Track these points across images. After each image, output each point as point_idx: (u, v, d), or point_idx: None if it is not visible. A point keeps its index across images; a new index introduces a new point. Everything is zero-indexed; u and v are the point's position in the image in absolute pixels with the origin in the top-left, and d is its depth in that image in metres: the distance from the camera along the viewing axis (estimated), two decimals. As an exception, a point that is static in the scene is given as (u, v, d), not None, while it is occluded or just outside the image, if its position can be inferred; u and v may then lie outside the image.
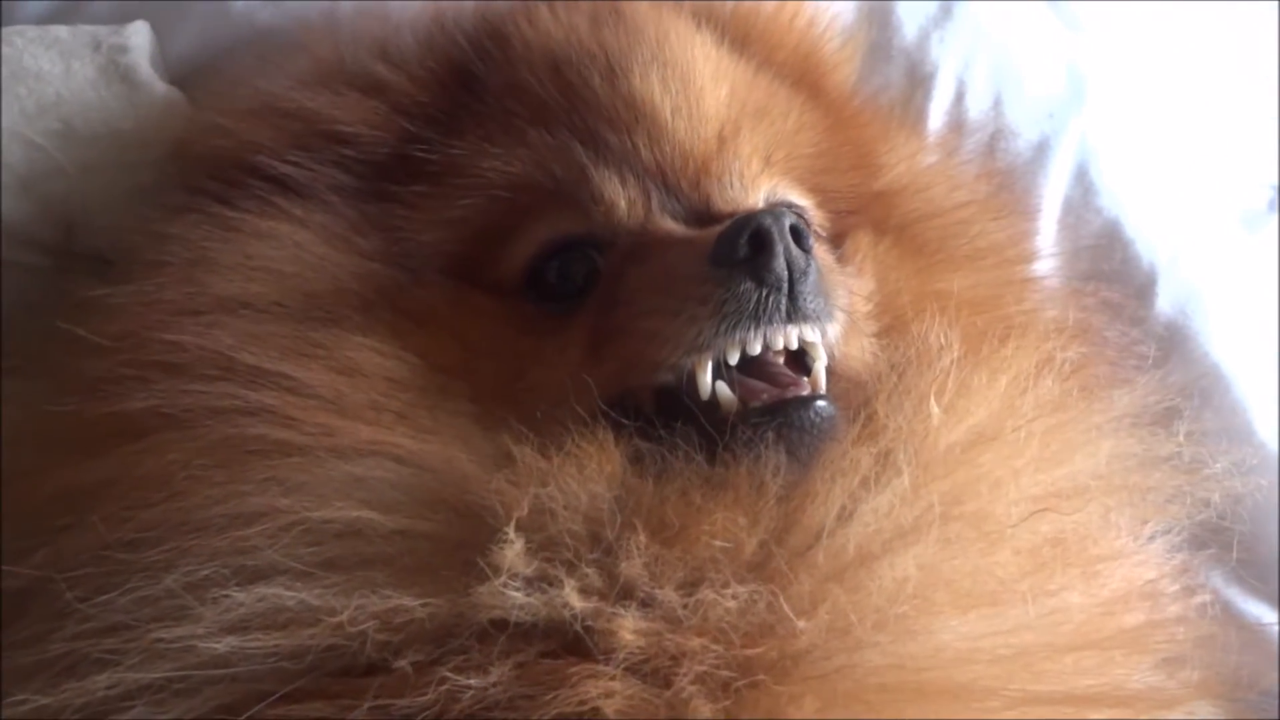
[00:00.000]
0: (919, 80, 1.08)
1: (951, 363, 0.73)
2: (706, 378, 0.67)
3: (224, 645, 0.60)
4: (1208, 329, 1.03)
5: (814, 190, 0.84)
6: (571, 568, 0.61)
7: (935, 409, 0.69)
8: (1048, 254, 1.04)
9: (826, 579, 0.61)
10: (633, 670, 0.59)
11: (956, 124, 1.07)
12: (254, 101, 0.83)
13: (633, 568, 0.61)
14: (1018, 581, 0.65)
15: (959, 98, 1.08)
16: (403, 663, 0.59)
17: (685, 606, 0.60)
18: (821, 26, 0.96)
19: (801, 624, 0.60)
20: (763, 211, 0.69)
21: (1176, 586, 0.79)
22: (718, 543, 0.61)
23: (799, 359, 0.70)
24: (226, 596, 0.60)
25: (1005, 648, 0.63)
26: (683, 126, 0.78)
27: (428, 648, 0.59)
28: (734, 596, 0.60)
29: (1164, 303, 1.03)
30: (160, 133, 0.86)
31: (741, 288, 0.67)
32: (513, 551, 0.60)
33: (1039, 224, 1.05)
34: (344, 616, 0.59)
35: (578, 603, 0.59)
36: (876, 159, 0.90)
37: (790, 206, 0.79)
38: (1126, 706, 0.66)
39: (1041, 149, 1.07)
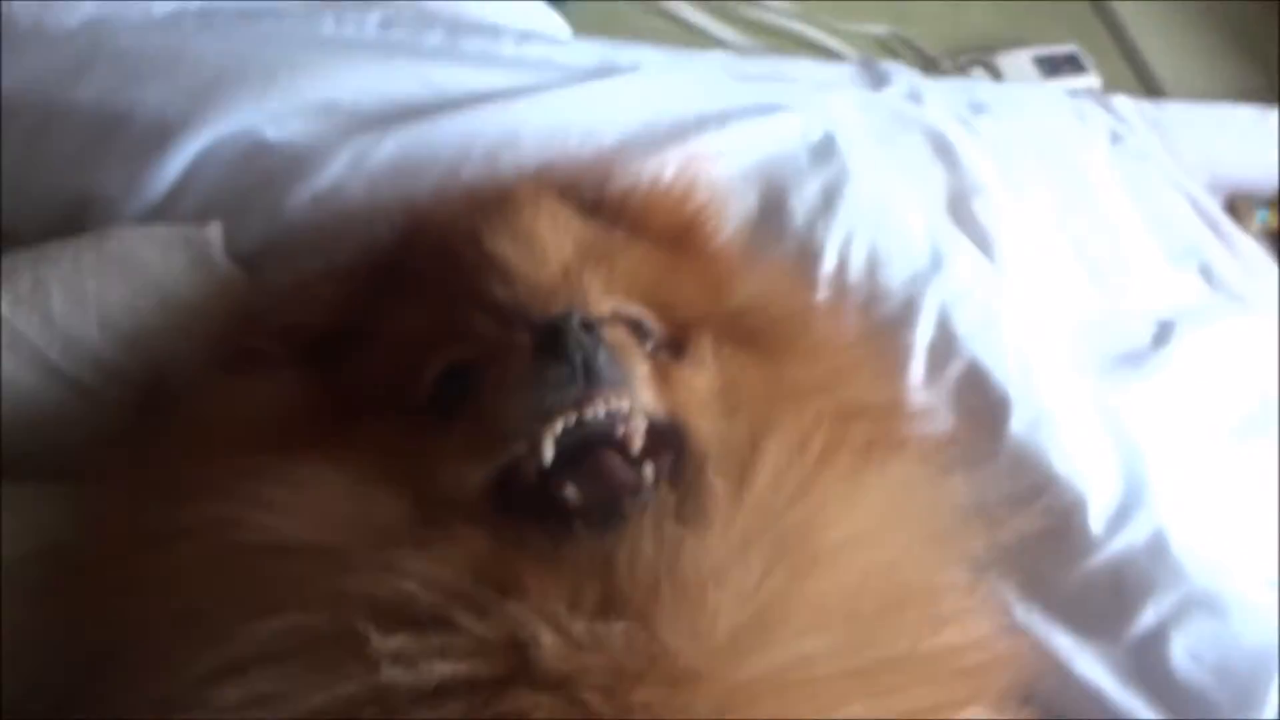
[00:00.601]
0: (808, 255, 1.31)
1: (744, 433, 0.86)
2: (548, 446, 0.81)
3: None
4: (1052, 446, 1.21)
5: (654, 306, 0.98)
6: (438, 639, 0.71)
7: (715, 480, 0.83)
8: (917, 389, 1.25)
9: (679, 606, 0.73)
10: (551, 688, 0.70)
11: (840, 288, 1.30)
12: (254, 299, 1.09)
13: (501, 620, 0.72)
14: (846, 606, 0.76)
15: (841, 266, 1.31)
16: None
17: (583, 636, 0.71)
18: (690, 205, 1.17)
19: (674, 644, 0.71)
20: (558, 314, 0.85)
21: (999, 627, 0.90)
22: (559, 600, 0.73)
23: (639, 457, 0.86)
24: (224, 688, 0.71)
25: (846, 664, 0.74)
26: (529, 269, 0.96)
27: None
28: (615, 629, 0.71)
29: (1017, 424, 1.22)
30: (223, 306, 1.11)
31: (548, 368, 0.83)
32: (386, 640, 0.70)
33: (910, 366, 1.26)
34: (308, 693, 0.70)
35: (445, 666, 0.70)
36: (722, 286, 1.09)
37: (625, 316, 0.93)
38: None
39: (908, 307, 1.29)
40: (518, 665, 0.71)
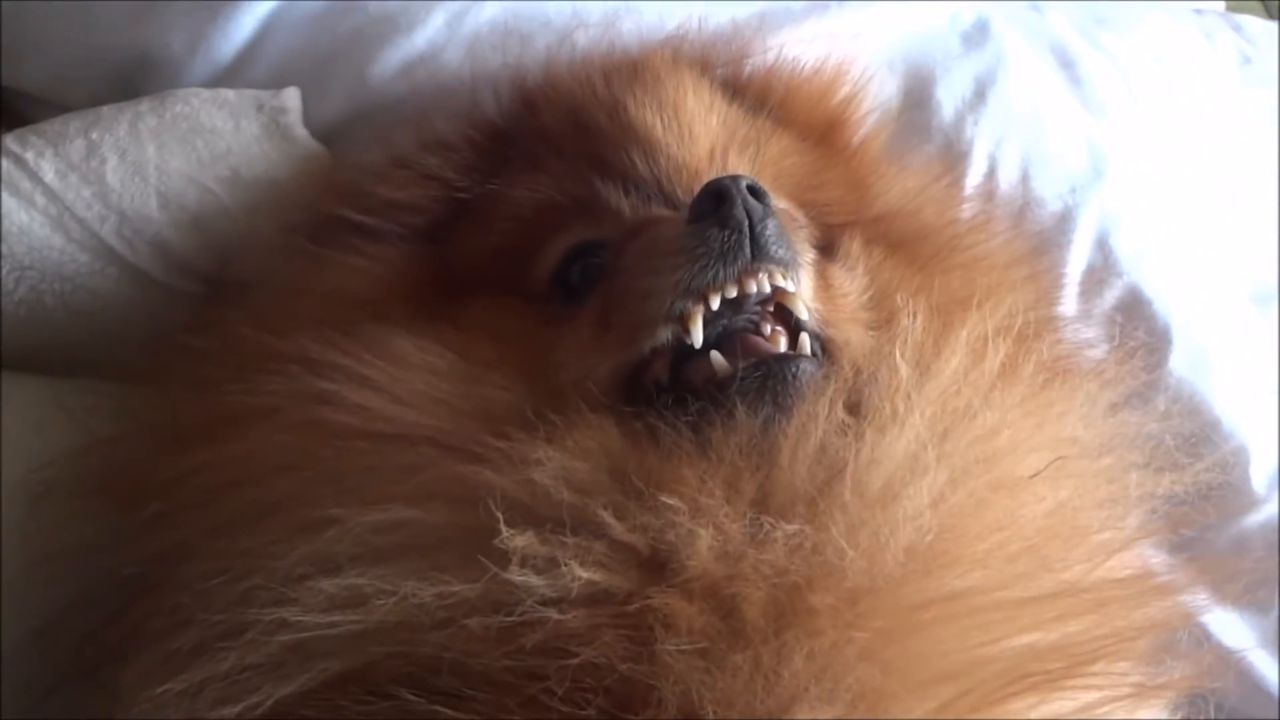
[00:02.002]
0: (955, 156, 1.17)
1: (924, 329, 0.78)
2: (698, 327, 0.74)
3: (321, 621, 0.65)
4: (1212, 386, 1.11)
5: (802, 204, 0.93)
6: (574, 540, 0.65)
7: (902, 365, 0.75)
8: (1072, 312, 1.13)
9: (860, 513, 0.66)
10: (700, 596, 0.64)
11: (988, 195, 1.16)
12: (344, 175, 0.98)
13: (647, 520, 0.66)
14: (1022, 538, 0.71)
15: (991, 172, 1.18)
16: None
17: (743, 537, 0.65)
18: (837, 96, 1.06)
19: (850, 554, 0.64)
20: (723, 175, 0.78)
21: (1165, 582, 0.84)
22: (713, 495, 0.66)
23: (791, 331, 0.78)
24: (315, 584, 0.66)
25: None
26: (674, 144, 0.89)
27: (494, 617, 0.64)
28: (782, 531, 0.65)
29: (1176, 361, 1.11)
30: (307, 180, 1.00)
31: (709, 233, 0.75)
32: (517, 538, 0.65)
33: (1064, 287, 1.14)
34: (411, 597, 0.64)
35: (584, 574, 0.64)
36: (870, 186, 1.00)
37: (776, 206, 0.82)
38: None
39: (1064, 219, 1.16)
40: (663, 570, 0.65)
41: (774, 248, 0.75)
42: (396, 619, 0.64)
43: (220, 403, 0.77)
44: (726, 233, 0.74)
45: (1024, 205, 1.18)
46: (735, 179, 0.76)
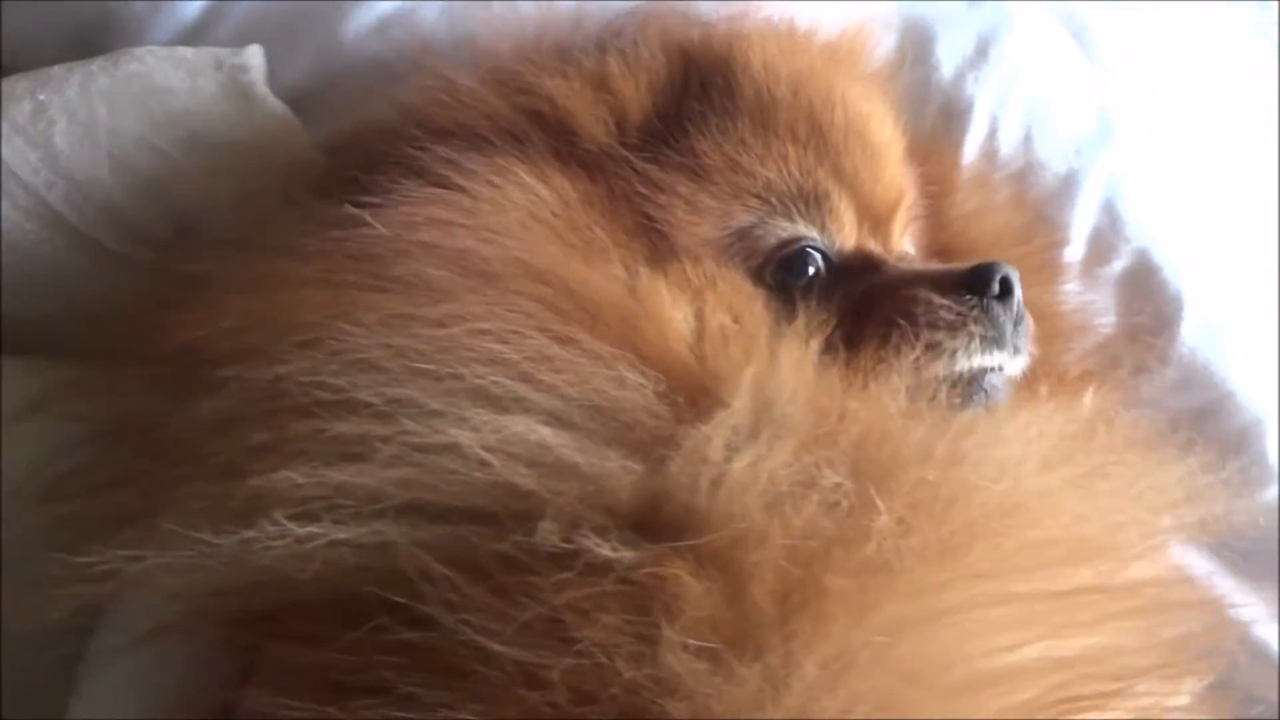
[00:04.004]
0: (954, 115, 1.13)
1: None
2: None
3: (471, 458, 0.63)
4: (1226, 357, 1.06)
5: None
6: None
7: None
8: (1079, 279, 1.09)
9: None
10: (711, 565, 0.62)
11: (989, 157, 1.12)
12: (489, 75, 0.89)
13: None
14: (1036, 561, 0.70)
15: (992, 133, 1.12)
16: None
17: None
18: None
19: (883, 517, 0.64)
20: (1002, 263, 0.86)
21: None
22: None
23: None
24: (492, 418, 0.64)
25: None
26: (889, 173, 0.92)
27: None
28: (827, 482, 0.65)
29: (1188, 330, 1.07)
30: (273, 144, 0.93)
31: (1000, 316, 0.84)
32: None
33: (1067, 251, 1.10)
34: (586, 468, 0.63)
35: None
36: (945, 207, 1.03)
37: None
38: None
39: (1069, 182, 1.11)
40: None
41: (1022, 342, 0.86)
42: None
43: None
44: (1010, 321, 0.84)
45: (1025, 168, 1.12)
46: (1014, 270, 0.85)
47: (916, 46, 1.16)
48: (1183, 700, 0.72)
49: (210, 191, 0.92)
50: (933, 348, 0.82)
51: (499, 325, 0.68)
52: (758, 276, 0.86)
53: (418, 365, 0.66)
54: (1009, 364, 0.85)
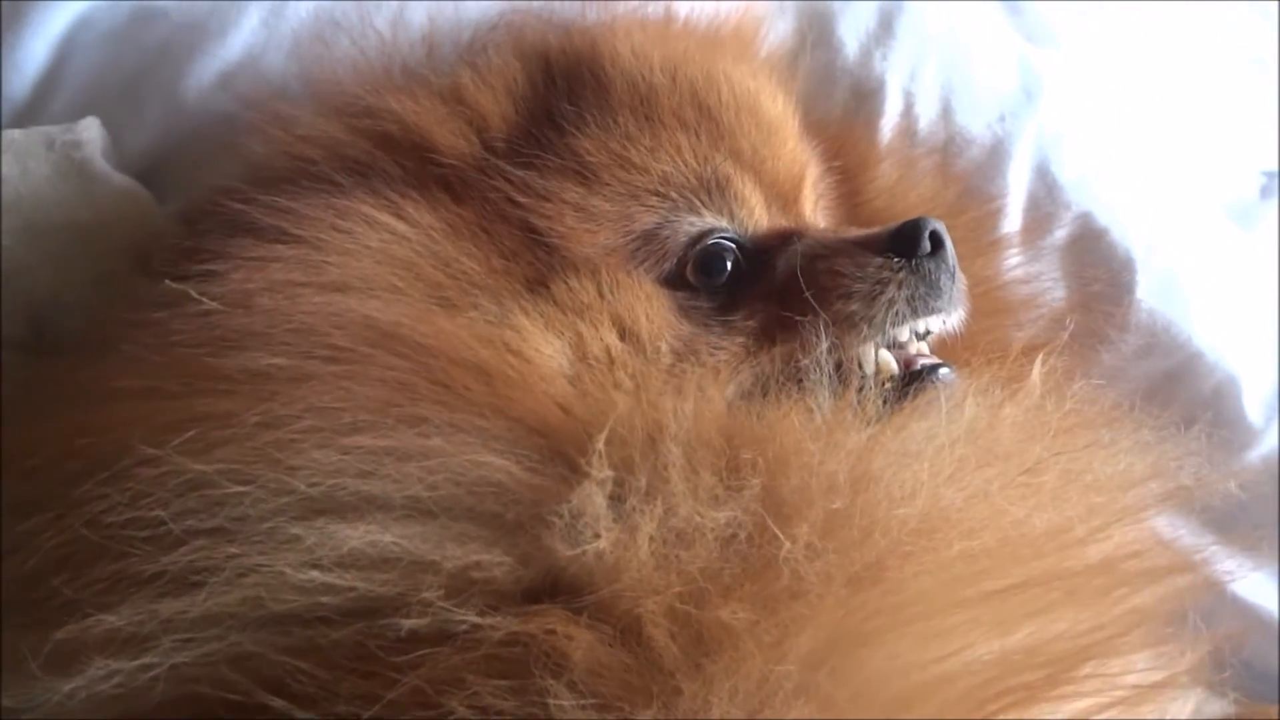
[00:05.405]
0: (865, 96, 1.07)
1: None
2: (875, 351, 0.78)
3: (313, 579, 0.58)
4: (1189, 315, 1.01)
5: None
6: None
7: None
8: (1021, 249, 1.03)
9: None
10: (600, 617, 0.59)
11: (907, 132, 1.06)
12: (326, 104, 0.84)
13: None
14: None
15: (908, 109, 1.07)
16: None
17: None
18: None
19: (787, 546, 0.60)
20: (928, 217, 0.80)
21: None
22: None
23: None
24: (332, 531, 0.59)
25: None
26: (789, 148, 0.87)
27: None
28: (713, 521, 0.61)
29: (1144, 290, 1.02)
30: (119, 220, 0.86)
31: (933, 273, 0.79)
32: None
33: (1004, 223, 1.04)
34: (446, 563, 0.58)
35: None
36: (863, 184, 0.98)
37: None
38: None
39: (996, 152, 1.06)
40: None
41: (959, 295, 0.81)
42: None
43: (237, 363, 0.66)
44: (948, 276, 0.80)
45: (947, 141, 1.06)
46: (939, 223, 0.80)
47: (816, 29, 1.10)
48: (1155, 676, 0.67)
49: (63, 280, 0.85)
50: (845, 321, 0.77)
51: (339, 421, 0.62)
52: (675, 280, 0.80)
53: (242, 484, 0.60)
54: (947, 323, 0.81)
